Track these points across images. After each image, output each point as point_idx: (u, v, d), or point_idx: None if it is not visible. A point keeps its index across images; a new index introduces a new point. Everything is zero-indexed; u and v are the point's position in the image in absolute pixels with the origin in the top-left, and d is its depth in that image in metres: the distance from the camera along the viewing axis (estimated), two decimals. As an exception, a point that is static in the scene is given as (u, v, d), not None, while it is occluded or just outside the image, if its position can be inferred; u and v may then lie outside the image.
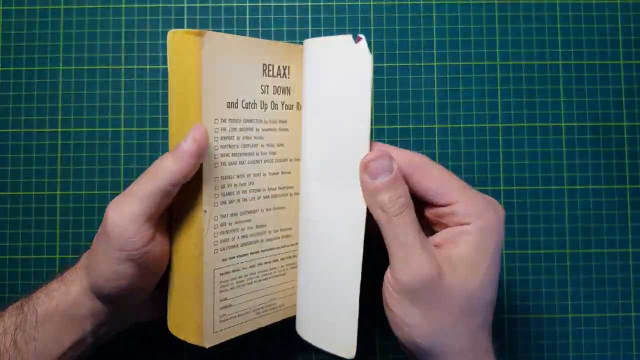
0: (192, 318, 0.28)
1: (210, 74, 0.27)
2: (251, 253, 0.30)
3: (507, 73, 0.39)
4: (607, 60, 0.39)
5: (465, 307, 0.25)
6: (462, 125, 0.39)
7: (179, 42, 0.27)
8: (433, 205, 0.27)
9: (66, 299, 0.28)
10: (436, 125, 0.39)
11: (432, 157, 0.38)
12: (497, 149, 0.39)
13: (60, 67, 0.39)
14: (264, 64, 0.29)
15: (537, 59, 0.39)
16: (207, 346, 0.28)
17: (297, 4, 0.39)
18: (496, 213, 0.26)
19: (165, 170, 0.26)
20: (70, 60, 0.39)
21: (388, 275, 0.27)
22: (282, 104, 0.31)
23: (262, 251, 0.31)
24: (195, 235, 0.28)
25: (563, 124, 0.39)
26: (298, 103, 0.31)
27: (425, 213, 0.28)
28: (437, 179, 0.26)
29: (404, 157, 0.27)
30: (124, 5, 0.39)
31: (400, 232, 0.26)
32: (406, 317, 0.26)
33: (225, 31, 0.39)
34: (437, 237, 0.27)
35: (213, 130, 0.27)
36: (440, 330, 0.25)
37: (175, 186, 0.27)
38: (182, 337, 0.29)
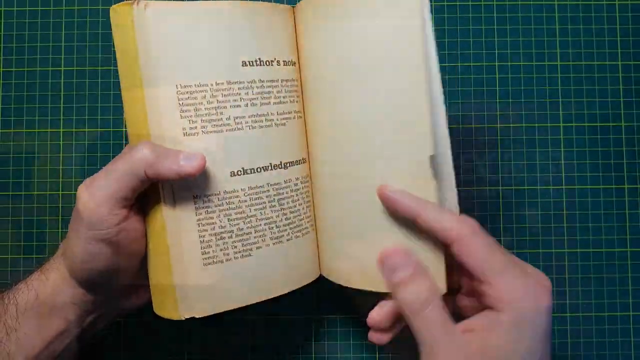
0: (168, 294, 0.28)
1: (149, 42, 0.26)
2: (231, 222, 0.28)
3: (505, 74, 0.39)
4: (606, 61, 0.39)
5: None
6: (460, 126, 0.39)
7: (117, 16, 0.27)
8: (471, 279, 0.25)
9: (45, 288, 0.28)
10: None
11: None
12: (495, 149, 0.39)
13: (62, 68, 0.39)
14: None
15: (536, 60, 0.39)
16: (183, 318, 0.27)
17: None
18: (536, 300, 0.24)
19: (144, 163, 0.26)
20: (72, 61, 0.39)
21: None
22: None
23: (248, 220, 0.29)
24: (157, 208, 0.27)
25: (562, 124, 0.39)
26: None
27: (462, 283, 0.28)
28: (476, 254, 0.24)
29: (446, 225, 0.25)
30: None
31: (424, 329, 0.24)
32: None
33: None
34: (473, 321, 0.25)
35: (175, 95, 0.27)
36: None
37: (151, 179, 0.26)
38: (165, 316, 0.28)
